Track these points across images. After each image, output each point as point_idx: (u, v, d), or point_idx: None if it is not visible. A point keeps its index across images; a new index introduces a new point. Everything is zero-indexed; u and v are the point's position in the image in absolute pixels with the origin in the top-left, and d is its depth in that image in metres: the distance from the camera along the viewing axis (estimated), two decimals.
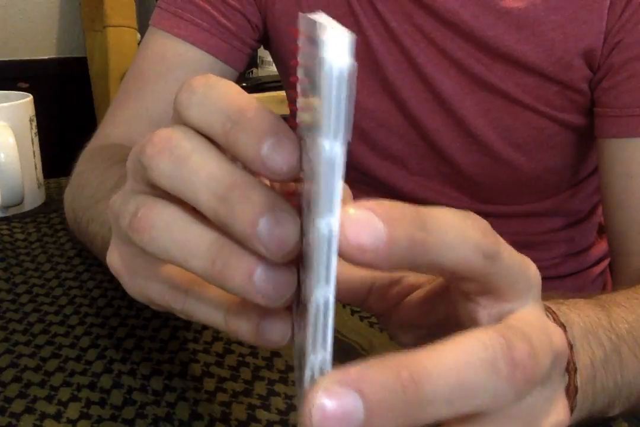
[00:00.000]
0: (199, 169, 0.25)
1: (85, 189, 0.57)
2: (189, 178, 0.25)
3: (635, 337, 0.38)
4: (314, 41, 0.22)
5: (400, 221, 0.21)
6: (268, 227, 0.23)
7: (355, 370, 0.20)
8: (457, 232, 0.23)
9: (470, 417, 0.23)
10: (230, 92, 0.26)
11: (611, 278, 0.78)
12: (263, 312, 0.26)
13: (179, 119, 0.26)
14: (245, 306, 0.27)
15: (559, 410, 0.26)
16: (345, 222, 0.21)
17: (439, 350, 0.22)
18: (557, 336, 0.26)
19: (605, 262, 0.79)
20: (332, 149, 0.21)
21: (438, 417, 0.21)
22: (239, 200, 0.24)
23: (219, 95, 0.26)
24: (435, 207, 0.23)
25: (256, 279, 0.24)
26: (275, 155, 0.24)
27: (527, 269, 0.26)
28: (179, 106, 0.26)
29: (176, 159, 0.25)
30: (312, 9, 0.66)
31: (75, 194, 0.60)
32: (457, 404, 0.21)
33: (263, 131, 0.24)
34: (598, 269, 0.78)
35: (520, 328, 0.24)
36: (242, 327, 0.27)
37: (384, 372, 0.20)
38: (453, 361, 0.21)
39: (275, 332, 0.26)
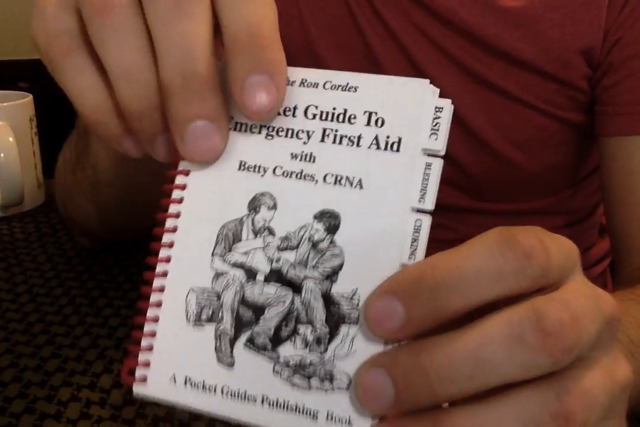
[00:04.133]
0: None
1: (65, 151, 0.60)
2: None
3: (631, 339, 0.38)
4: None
5: (418, 297, 0.23)
6: None
7: (386, 355, 0.24)
8: (486, 278, 0.23)
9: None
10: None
11: (612, 277, 0.78)
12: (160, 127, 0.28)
13: None
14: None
15: (624, 370, 0.26)
16: (367, 312, 0.24)
17: (464, 333, 0.23)
18: (607, 301, 0.26)
19: (606, 262, 0.79)
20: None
21: (464, 393, 0.23)
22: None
23: None
24: (466, 245, 0.24)
25: None
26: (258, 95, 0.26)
27: (568, 253, 0.25)
28: None
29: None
30: (311, 10, 0.66)
31: (59, 163, 0.62)
32: (479, 379, 0.23)
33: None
34: (599, 269, 0.78)
35: (562, 298, 0.24)
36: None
37: (408, 356, 0.23)
38: (473, 342, 0.23)
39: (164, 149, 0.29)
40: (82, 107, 0.29)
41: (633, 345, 0.39)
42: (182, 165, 0.28)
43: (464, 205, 0.70)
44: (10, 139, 0.70)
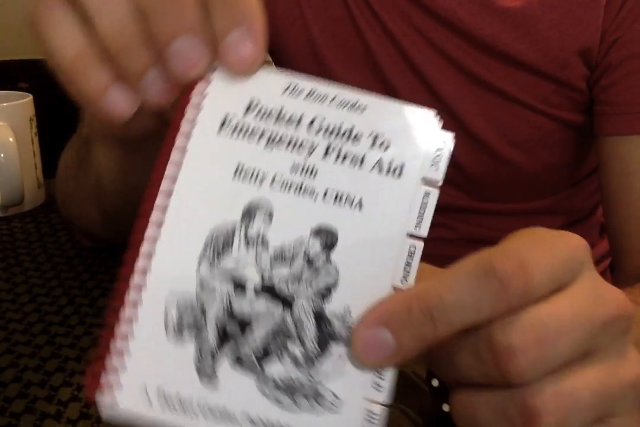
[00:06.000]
0: None
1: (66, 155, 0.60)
2: None
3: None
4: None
5: (407, 326, 0.24)
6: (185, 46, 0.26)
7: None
8: (467, 307, 0.24)
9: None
10: None
11: (611, 277, 0.78)
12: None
13: None
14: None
15: (634, 367, 0.27)
16: (356, 341, 0.25)
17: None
18: (610, 302, 0.26)
19: (606, 263, 0.79)
20: None
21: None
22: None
23: None
24: (448, 275, 0.24)
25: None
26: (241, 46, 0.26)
27: (568, 258, 0.25)
28: None
29: None
30: (313, 10, 0.67)
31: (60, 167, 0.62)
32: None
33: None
34: (599, 269, 0.78)
35: (530, 317, 0.24)
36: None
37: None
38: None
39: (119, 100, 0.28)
40: (64, 59, 0.28)
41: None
42: (173, 156, 0.27)
43: (463, 205, 0.70)
44: (10, 139, 0.71)
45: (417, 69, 0.64)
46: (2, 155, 0.70)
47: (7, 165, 0.70)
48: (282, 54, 0.73)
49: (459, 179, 0.69)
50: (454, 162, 0.66)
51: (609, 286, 0.27)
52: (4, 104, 0.73)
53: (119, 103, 0.28)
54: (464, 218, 0.71)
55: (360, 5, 0.64)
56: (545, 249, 0.25)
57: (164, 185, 0.27)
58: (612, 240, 0.64)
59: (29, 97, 0.76)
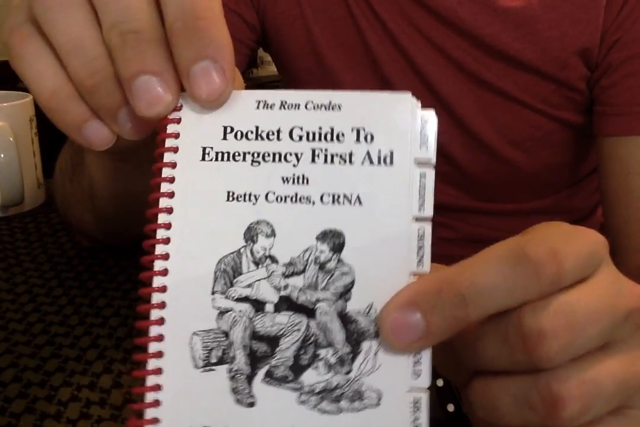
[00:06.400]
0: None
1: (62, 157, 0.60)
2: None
3: None
4: None
5: (438, 308, 0.24)
6: (145, 85, 0.27)
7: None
8: (500, 292, 0.24)
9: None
10: None
11: None
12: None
13: None
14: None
15: None
16: (385, 324, 0.25)
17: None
18: (631, 294, 0.26)
19: None
20: None
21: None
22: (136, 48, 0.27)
23: None
24: (480, 260, 0.25)
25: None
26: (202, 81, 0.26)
27: (591, 252, 0.26)
28: None
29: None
30: (313, 10, 0.67)
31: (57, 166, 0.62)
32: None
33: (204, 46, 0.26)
34: None
35: (562, 302, 0.25)
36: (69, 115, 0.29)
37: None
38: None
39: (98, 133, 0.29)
40: (40, 94, 0.29)
41: None
42: (164, 188, 0.27)
43: (463, 204, 0.70)
44: (10, 139, 0.70)
45: (417, 68, 0.64)
46: (2, 155, 0.70)
47: (7, 165, 0.70)
48: (282, 54, 0.73)
49: (459, 179, 0.69)
50: (454, 162, 0.67)
51: (628, 280, 0.27)
52: (4, 104, 0.73)
53: (97, 135, 0.29)
54: (464, 218, 0.71)
55: (361, 4, 0.65)
56: (571, 240, 0.25)
57: (162, 218, 0.27)
58: (612, 240, 0.64)
59: (29, 97, 0.76)
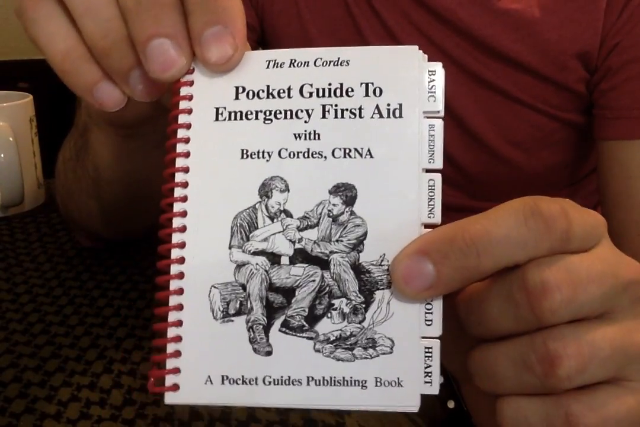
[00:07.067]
0: None
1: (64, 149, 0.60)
2: None
3: None
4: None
5: (450, 257, 0.25)
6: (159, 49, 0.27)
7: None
8: (512, 243, 0.25)
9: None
10: None
11: None
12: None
13: None
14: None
15: None
16: (396, 272, 0.25)
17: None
18: (631, 267, 0.27)
19: None
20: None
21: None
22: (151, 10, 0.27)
23: None
24: (494, 212, 0.25)
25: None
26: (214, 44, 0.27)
27: (594, 224, 0.26)
28: None
29: None
30: (311, 10, 0.67)
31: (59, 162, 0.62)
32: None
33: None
34: None
35: (566, 261, 0.25)
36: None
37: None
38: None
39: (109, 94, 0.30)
40: (53, 56, 0.29)
41: None
42: (179, 148, 0.28)
43: (464, 204, 0.70)
44: (10, 139, 0.71)
45: None
46: (2, 155, 0.70)
47: (7, 165, 0.70)
48: None
49: (459, 179, 0.69)
50: (454, 162, 0.67)
51: (627, 256, 0.28)
52: (4, 104, 0.73)
53: (109, 96, 0.30)
54: (464, 217, 0.71)
55: (361, 4, 0.64)
56: (579, 209, 0.26)
57: (178, 177, 0.28)
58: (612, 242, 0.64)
59: (29, 97, 0.76)
